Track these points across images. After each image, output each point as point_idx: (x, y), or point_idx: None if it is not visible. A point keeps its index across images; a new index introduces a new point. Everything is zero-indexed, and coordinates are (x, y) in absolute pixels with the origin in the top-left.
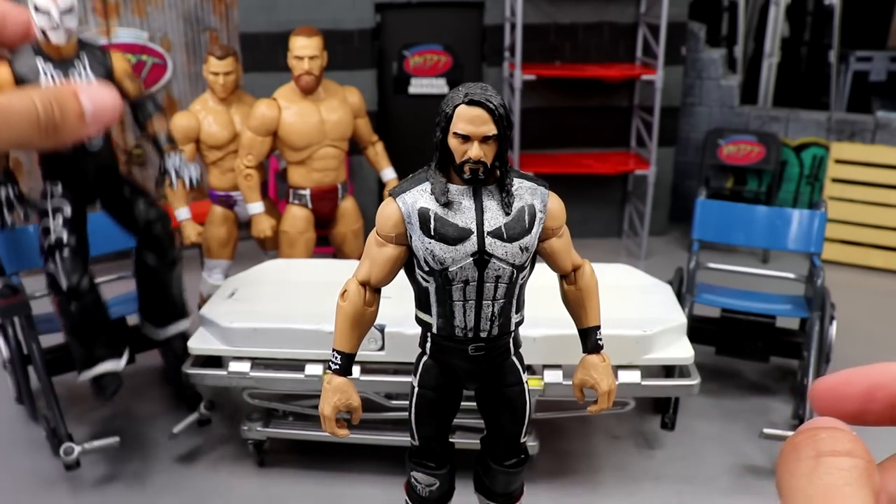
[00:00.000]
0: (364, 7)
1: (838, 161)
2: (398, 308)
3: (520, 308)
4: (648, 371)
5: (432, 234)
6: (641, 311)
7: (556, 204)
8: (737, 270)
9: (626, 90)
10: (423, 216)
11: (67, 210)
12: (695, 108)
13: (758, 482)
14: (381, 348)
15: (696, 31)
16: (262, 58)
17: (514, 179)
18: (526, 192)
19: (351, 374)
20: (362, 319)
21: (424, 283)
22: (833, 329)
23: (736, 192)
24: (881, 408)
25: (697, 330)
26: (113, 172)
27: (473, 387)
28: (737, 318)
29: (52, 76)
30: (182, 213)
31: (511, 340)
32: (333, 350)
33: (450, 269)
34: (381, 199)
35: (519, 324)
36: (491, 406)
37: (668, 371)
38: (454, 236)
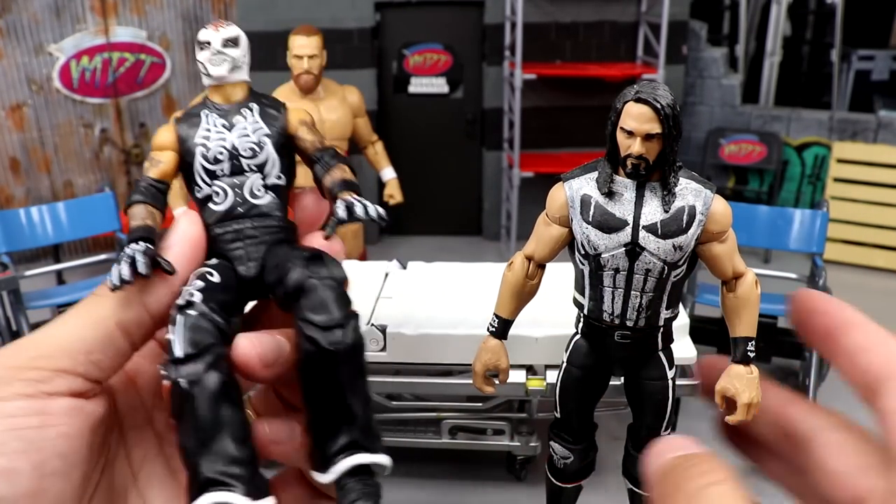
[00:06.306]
0: (364, 6)
1: (840, 160)
2: (399, 309)
3: (672, 305)
4: None
5: (590, 220)
6: None
7: (719, 208)
8: None
9: None
10: (585, 202)
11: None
12: (696, 108)
13: (759, 483)
14: (383, 349)
15: (697, 30)
16: (261, 57)
17: (681, 179)
18: (690, 192)
19: (506, 338)
20: (522, 290)
21: (581, 266)
22: None
23: (737, 192)
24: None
25: (699, 330)
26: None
27: (620, 374)
28: None
29: (213, 123)
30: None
31: (660, 335)
32: (494, 314)
33: (602, 256)
34: (380, 199)
35: (670, 320)
36: (634, 397)
37: None
38: (610, 225)
